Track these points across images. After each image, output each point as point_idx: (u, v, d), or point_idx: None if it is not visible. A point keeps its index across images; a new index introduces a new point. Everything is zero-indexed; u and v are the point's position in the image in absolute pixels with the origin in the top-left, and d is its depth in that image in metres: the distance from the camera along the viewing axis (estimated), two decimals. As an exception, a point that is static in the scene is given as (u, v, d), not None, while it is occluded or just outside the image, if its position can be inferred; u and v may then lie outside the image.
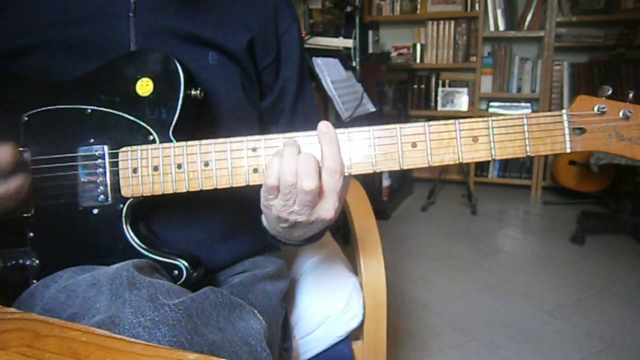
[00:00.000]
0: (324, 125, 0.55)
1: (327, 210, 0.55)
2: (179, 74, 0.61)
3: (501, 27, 3.38)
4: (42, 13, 0.65)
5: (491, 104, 3.49)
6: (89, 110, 0.63)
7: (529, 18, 3.33)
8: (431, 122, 0.57)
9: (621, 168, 2.76)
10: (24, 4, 0.66)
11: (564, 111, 0.57)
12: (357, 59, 2.48)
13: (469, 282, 2.09)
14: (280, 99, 0.78)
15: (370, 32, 3.00)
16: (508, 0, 3.35)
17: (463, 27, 3.46)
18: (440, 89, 3.61)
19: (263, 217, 0.65)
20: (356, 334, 0.88)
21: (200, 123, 0.66)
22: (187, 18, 0.68)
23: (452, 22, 3.48)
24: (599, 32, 3.18)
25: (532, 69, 3.35)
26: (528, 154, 0.56)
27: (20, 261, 0.62)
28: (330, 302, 0.85)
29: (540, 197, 3.32)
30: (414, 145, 0.57)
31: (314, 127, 0.56)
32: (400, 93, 3.38)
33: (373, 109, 2.44)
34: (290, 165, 0.53)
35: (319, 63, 2.20)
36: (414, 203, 3.22)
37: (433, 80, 3.61)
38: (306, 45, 2.35)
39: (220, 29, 0.70)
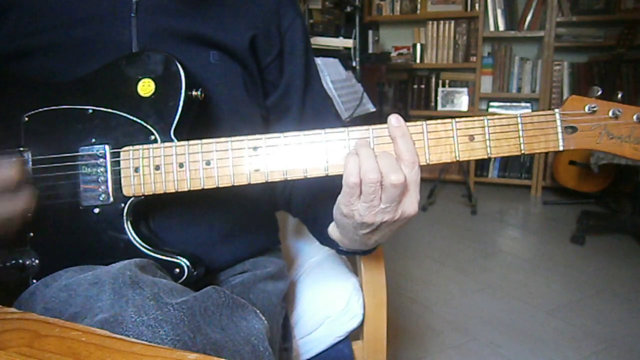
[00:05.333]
0: (395, 120, 0.56)
1: (412, 204, 0.55)
2: (180, 75, 0.61)
3: (501, 27, 3.38)
4: (44, 15, 0.65)
5: (491, 104, 3.49)
6: (90, 111, 0.63)
7: (529, 18, 3.33)
8: (429, 122, 0.58)
9: (621, 168, 2.76)
10: (25, 5, 0.66)
11: (556, 110, 0.58)
12: (357, 59, 2.48)
13: (469, 282, 2.09)
14: (287, 96, 0.77)
15: (370, 32, 3.00)
16: (508, 0, 3.35)
17: (463, 27, 3.46)
18: (440, 89, 3.60)
19: (333, 229, 0.66)
20: (356, 334, 0.88)
21: (201, 122, 0.66)
22: (189, 18, 0.68)
23: (452, 22, 3.48)
24: (599, 32, 3.17)
25: (532, 69, 3.35)
26: (523, 151, 0.58)
27: (20, 261, 0.62)
28: (330, 302, 0.85)
29: (540, 197, 3.32)
30: None
31: (326, 123, 0.56)
32: (400, 93, 3.38)
33: (373, 109, 2.44)
34: (371, 164, 0.53)
35: (319, 63, 2.20)
36: (414, 203, 3.21)
37: (433, 80, 3.60)
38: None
39: (221, 28, 0.70)
